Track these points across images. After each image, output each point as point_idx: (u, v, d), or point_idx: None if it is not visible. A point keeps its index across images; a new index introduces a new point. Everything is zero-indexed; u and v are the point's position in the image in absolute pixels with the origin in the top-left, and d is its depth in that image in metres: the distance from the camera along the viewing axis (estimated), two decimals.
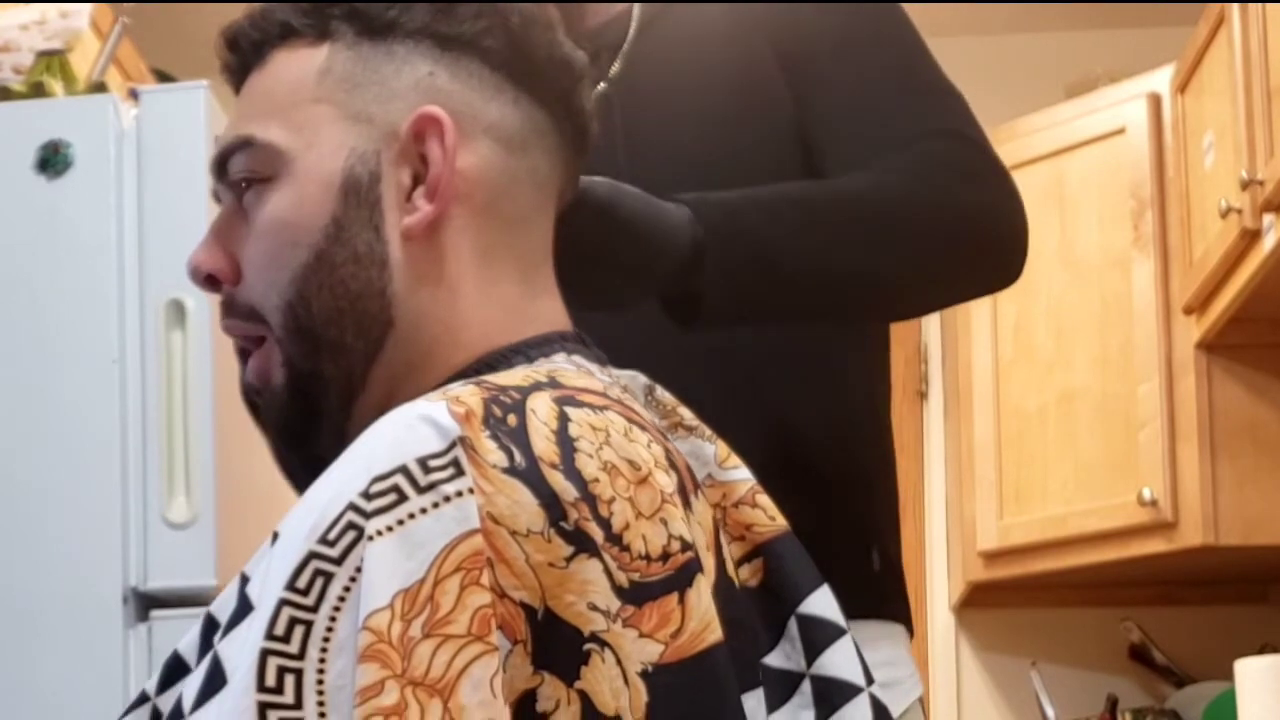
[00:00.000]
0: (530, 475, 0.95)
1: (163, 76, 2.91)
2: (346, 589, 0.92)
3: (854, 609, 1.12)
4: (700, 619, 0.98)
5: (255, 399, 1.15)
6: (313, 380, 1.11)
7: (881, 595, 1.54)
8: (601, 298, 1.29)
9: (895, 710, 1.48)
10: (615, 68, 1.54)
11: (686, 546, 0.99)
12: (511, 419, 0.97)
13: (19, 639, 2.34)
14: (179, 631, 2.33)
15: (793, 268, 1.37)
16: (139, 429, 2.39)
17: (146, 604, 2.37)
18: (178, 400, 2.38)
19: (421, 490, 0.93)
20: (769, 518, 1.10)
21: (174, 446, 2.38)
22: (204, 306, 2.37)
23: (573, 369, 1.07)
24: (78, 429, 2.38)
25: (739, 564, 1.08)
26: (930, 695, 4.06)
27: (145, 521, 2.37)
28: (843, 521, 1.50)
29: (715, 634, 0.98)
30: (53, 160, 2.43)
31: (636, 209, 1.30)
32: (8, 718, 2.33)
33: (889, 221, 1.42)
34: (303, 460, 1.14)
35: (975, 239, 1.47)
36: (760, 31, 1.54)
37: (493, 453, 0.95)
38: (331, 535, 0.93)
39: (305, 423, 1.13)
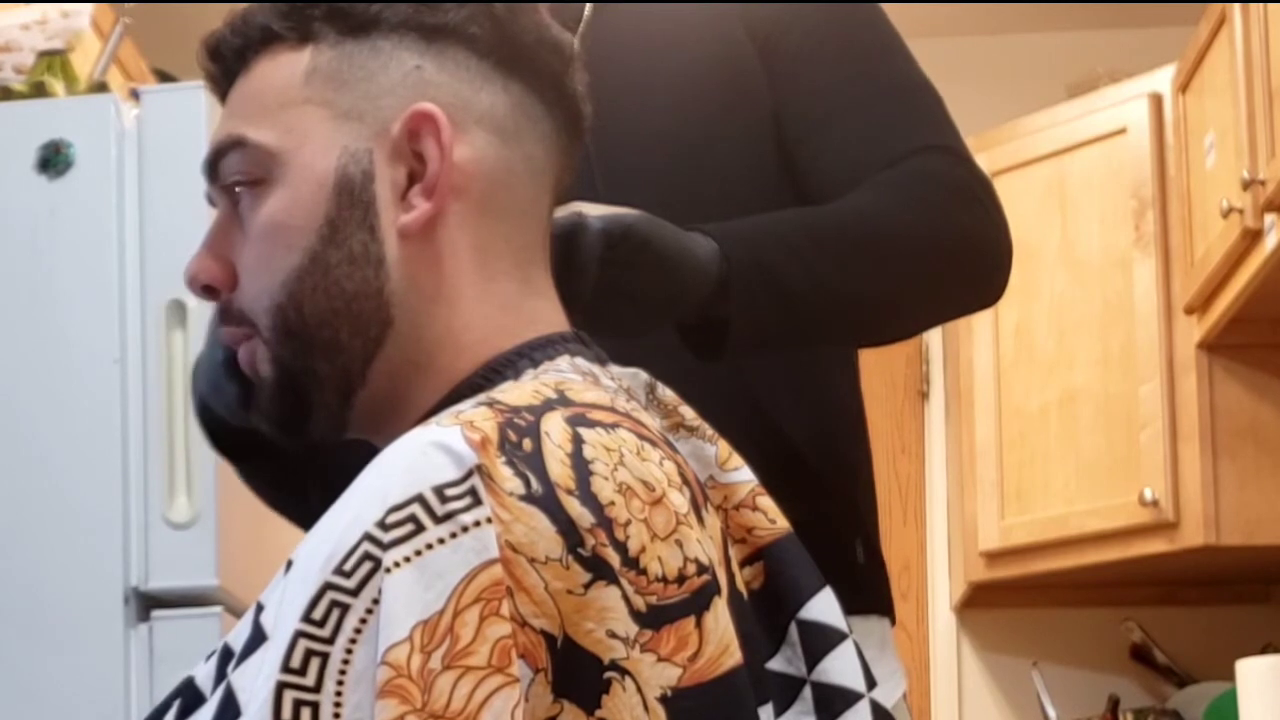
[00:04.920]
0: (547, 502, 0.94)
1: (164, 76, 2.91)
2: (363, 620, 0.91)
3: (839, 604, 1.12)
4: (718, 642, 0.97)
5: (210, 418, 1.15)
6: (304, 375, 1.10)
7: (866, 588, 1.55)
8: (626, 328, 1.30)
9: None
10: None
11: (703, 569, 0.98)
12: (527, 444, 0.96)
13: (20, 639, 2.34)
14: (180, 631, 2.36)
15: (809, 298, 1.38)
16: (140, 429, 2.39)
17: (147, 604, 2.38)
18: (179, 400, 2.38)
19: (439, 520, 0.92)
20: (770, 520, 1.09)
21: (175, 446, 2.38)
22: (205, 306, 2.36)
23: (578, 378, 1.07)
24: (79, 429, 2.38)
25: (740, 566, 1.08)
26: (931, 695, 4.06)
27: (146, 521, 2.38)
28: (830, 515, 1.51)
29: (734, 657, 0.98)
30: (54, 160, 2.43)
31: (669, 244, 1.30)
32: (8, 718, 2.33)
33: (893, 246, 1.44)
34: (295, 441, 1.14)
35: (972, 259, 1.49)
36: (734, 19, 1.54)
37: (509, 480, 0.94)
38: (347, 566, 0.92)
39: (296, 413, 1.12)
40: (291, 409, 1.12)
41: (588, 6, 1.55)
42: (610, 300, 1.25)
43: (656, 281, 1.30)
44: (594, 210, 1.27)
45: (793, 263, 1.37)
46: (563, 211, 1.25)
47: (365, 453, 1.01)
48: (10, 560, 2.36)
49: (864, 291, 1.42)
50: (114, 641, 2.34)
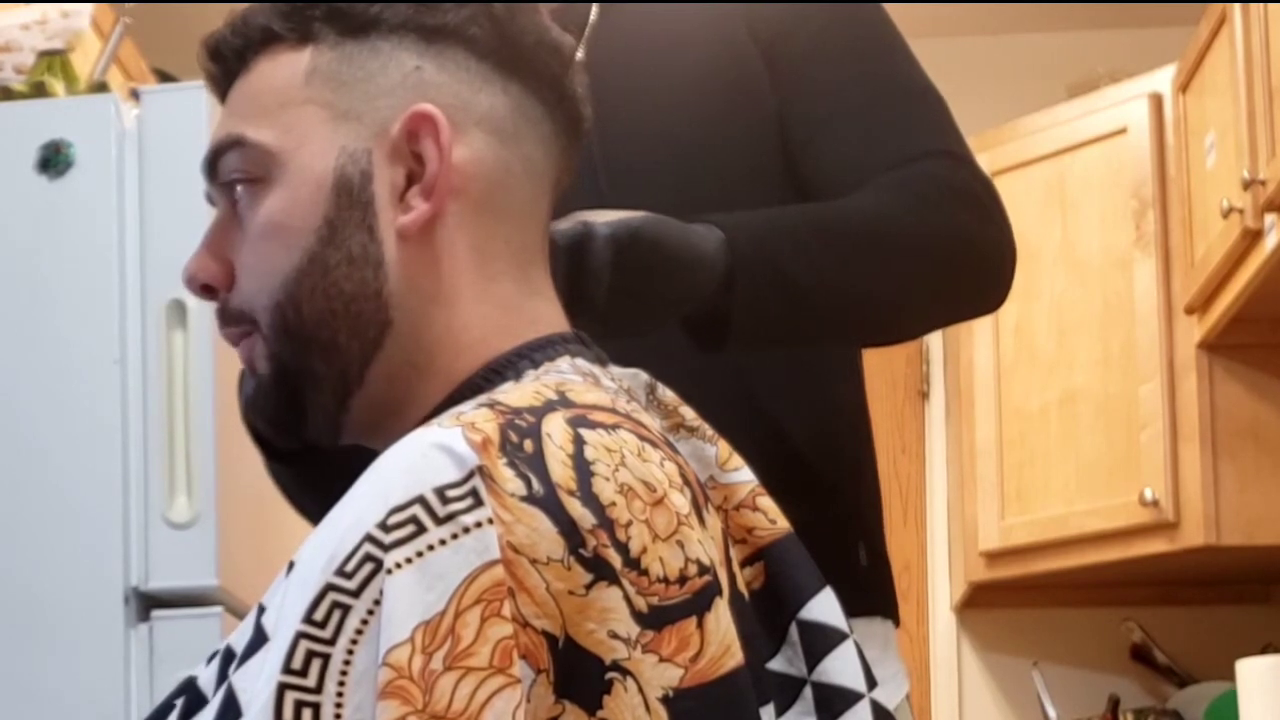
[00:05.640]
0: (548, 503, 0.94)
1: (164, 76, 2.90)
2: (364, 621, 0.92)
3: (842, 606, 1.12)
4: (720, 643, 0.97)
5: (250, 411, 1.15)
6: (300, 375, 1.11)
7: (869, 591, 1.55)
8: (638, 329, 1.30)
9: None
10: (580, 53, 1.53)
11: (704, 570, 0.98)
12: (528, 445, 0.96)
13: (20, 638, 2.34)
14: (180, 631, 2.36)
15: (813, 293, 1.39)
16: (140, 429, 2.39)
17: (148, 604, 2.37)
18: (179, 400, 2.38)
19: (440, 521, 0.93)
20: (770, 520, 1.09)
21: (175, 446, 2.38)
22: (205, 307, 2.35)
23: (579, 379, 1.07)
24: (79, 429, 2.38)
25: (741, 566, 1.08)
26: (932, 696, 4.06)
27: (146, 521, 2.37)
28: (833, 519, 1.50)
29: (735, 658, 0.98)
30: (54, 160, 2.43)
31: (677, 243, 1.30)
32: (8, 717, 2.33)
33: (897, 247, 1.44)
34: (292, 441, 1.14)
35: (975, 263, 1.49)
36: (738, 20, 1.54)
37: (511, 481, 0.94)
38: (349, 567, 0.92)
39: (291, 413, 1.12)
40: (287, 409, 1.12)
41: (594, 8, 1.56)
42: (622, 303, 1.25)
43: (667, 281, 1.30)
44: (599, 217, 1.27)
45: (798, 257, 1.38)
46: (566, 223, 1.25)
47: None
48: (10, 560, 2.36)
49: (867, 290, 1.42)
50: (114, 641, 2.34)
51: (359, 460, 1.08)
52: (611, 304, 1.25)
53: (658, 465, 1.01)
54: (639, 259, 1.27)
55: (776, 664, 1.07)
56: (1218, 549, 3.38)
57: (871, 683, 1.09)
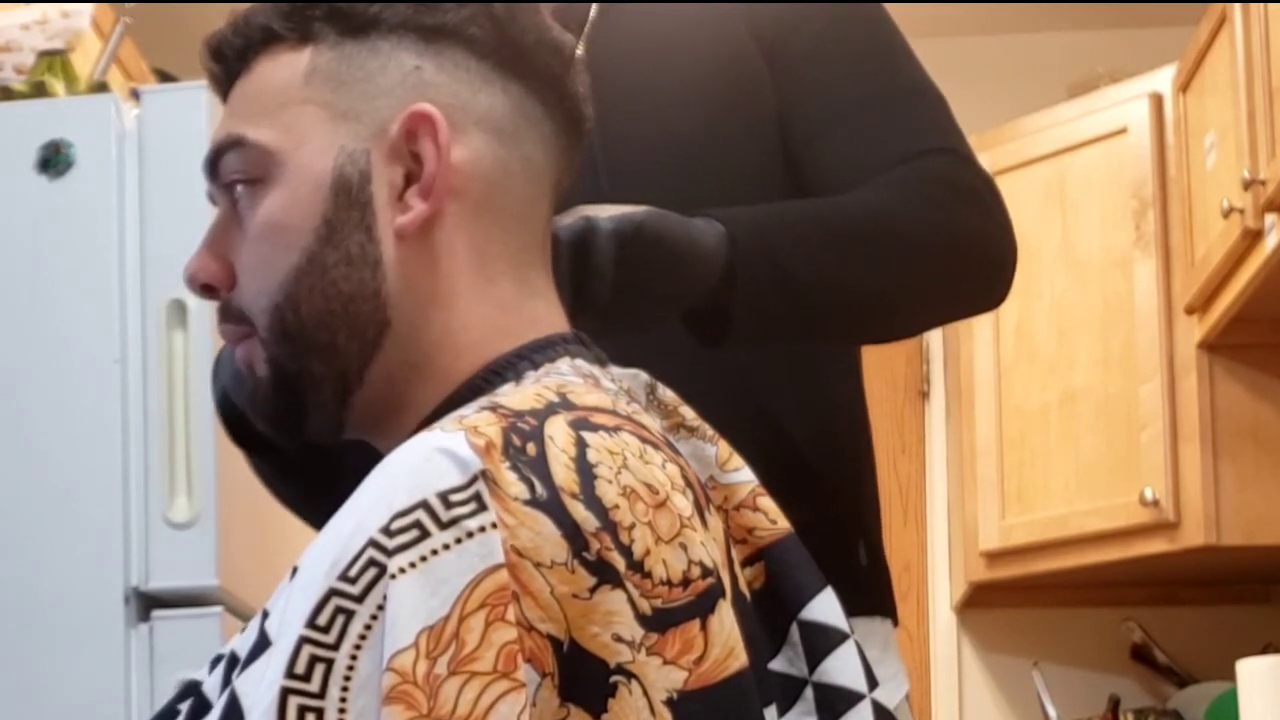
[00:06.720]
0: (552, 506, 0.94)
1: (164, 76, 2.90)
2: (368, 627, 0.91)
3: (843, 606, 1.12)
4: (724, 645, 0.97)
5: (231, 410, 1.15)
6: (300, 377, 1.11)
7: (869, 591, 1.55)
8: (641, 325, 1.30)
9: None
10: (580, 51, 1.53)
11: (707, 572, 0.98)
12: (531, 448, 0.96)
13: (20, 638, 2.34)
14: (180, 631, 2.36)
15: (813, 289, 1.39)
16: (141, 429, 2.39)
17: (148, 604, 2.37)
18: (179, 400, 2.38)
19: (443, 526, 0.92)
20: (770, 520, 1.09)
21: (175, 446, 2.38)
22: (205, 306, 2.36)
23: (580, 381, 1.07)
24: (79, 429, 2.38)
25: (741, 567, 1.08)
26: (932, 695, 4.06)
27: (147, 521, 2.37)
28: (832, 518, 1.50)
29: (740, 660, 0.98)
30: (54, 160, 2.43)
31: (680, 238, 1.31)
32: (8, 717, 2.33)
33: (899, 243, 1.44)
34: (292, 440, 1.14)
35: (976, 260, 1.49)
36: (739, 19, 1.54)
37: (514, 485, 0.94)
38: (352, 572, 0.92)
39: (292, 414, 1.12)
40: (287, 409, 1.12)
41: (594, 8, 1.56)
42: (625, 299, 1.25)
43: (670, 276, 1.30)
44: (601, 212, 1.27)
45: (798, 252, 1.38)
46: (569, 218, 1.25)
47: (379, 453, 1.01)
48: (10, 560, 2.36)
49: (867, 285, 1.42)
50: (114, 641, 2.34)
51: (353, 453, 1.08)
52: (614, 299, 1.25)
53: (660, 467, 1.01)
54: (642, 254, 1.27)
55: (777, 664, 1.07)
56: (1218, 549, 3.38)
57: (872, 683, 1.09)
